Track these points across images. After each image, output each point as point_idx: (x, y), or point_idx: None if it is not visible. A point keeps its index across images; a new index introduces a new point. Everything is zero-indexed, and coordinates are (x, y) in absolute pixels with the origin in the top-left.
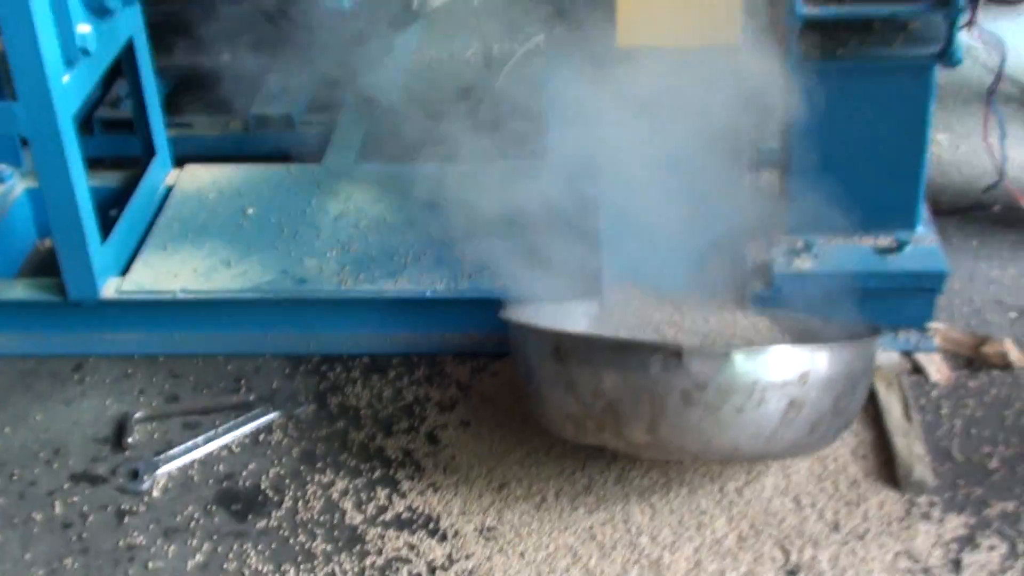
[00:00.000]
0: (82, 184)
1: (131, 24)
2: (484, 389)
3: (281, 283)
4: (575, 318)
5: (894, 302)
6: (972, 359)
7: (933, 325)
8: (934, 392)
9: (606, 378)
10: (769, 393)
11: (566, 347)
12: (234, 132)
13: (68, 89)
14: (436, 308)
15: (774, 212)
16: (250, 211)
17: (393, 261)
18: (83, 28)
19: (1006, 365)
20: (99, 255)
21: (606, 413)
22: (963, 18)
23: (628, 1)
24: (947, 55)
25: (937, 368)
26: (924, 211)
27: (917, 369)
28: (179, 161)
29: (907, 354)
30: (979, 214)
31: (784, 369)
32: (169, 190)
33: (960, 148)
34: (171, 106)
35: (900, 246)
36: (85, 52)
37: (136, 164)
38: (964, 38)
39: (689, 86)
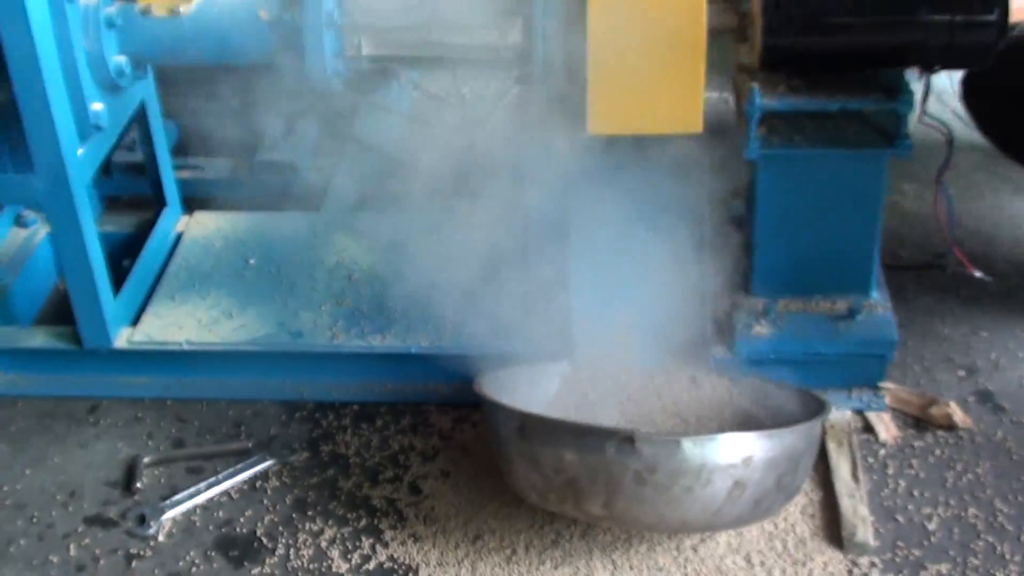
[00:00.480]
0: (95, 247)
1: (143, 91)
2: (464, 440)
3: (277, 337)
4: (549, 379)
5: (847, 364)
6: (920, 419)
7: (884, 385)
8: (882, 451)
9: (566, 457)
10: (715, 475)
11: (530, 427)
12: (241, 176)
13: (82, 161)
14: (421, 361)
15: (738, 277)
16: (252, 261)
17: (382, 316)
18: (96, 106)
19: (951, 427)
20: (111, 308)
21: (566, 488)
22: (912, 110)
23: (598, 91)
24: (897, 145)
25: (886, 427)
26: (878, 277)
27: (868, 427)
28: (191, 201)
29: (859, 412)
30: (935, 271)
31: (729, 454)
32: (179, 237)
33: (925, 197)
34: (183, 148)
35: (852, 314)
36: (98, 128)
37: (151, 204)
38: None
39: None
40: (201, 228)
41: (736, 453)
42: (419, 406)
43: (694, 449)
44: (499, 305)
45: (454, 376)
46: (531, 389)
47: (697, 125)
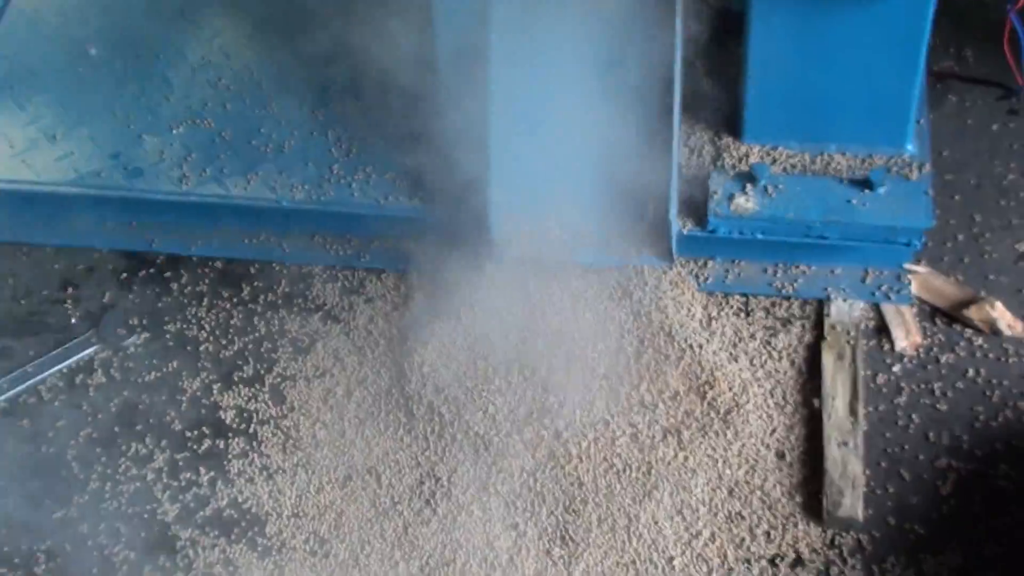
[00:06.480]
0: None
1: None
2: (352, 322)
3: (110, 175)
4: None
5: (860, 250)
6: (953, 318)
7: (911, 267)
8: (896, 367)
9: None
10: None
11: None
12: None
13: None
14: (298, 214)
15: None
16: (93, 51)
17: (250, 147)
18: None
19: (994, 332)
20: None
21: None
22: None
23: None
24: None
25: (906, 329)
26: (918, 122)
27: (882, 328)
28: None
29: (873, 305)
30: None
31: None
32: (5, 5)
33: None
34: None
35: (872, 185)
36: None
37: None
38: None
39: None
40: None
41: None
42: (300, 269)
43: None
44: (407, 155)
45: (347, 229)
46: None
47: None
